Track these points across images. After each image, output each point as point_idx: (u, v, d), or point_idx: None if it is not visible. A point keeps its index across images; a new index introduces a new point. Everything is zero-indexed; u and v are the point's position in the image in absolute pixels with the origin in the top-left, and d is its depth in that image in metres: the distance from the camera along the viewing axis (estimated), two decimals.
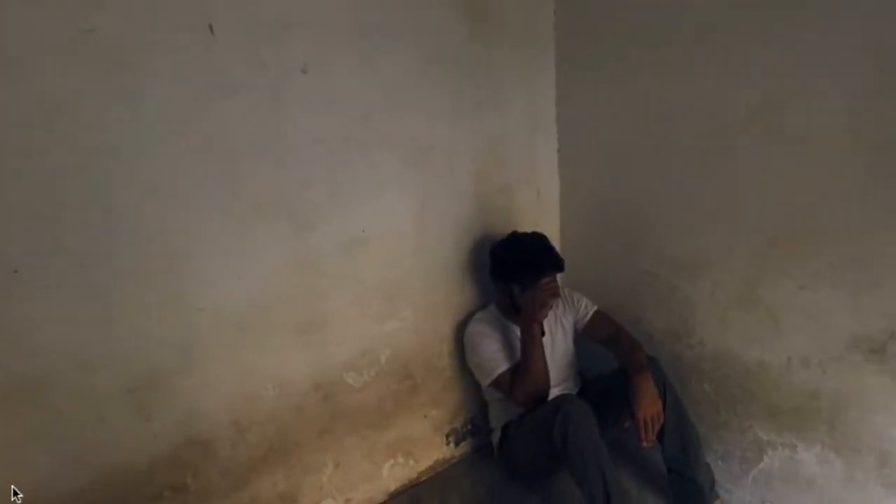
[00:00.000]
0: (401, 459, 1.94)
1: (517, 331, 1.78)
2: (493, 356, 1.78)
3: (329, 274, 1.64)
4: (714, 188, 1.69)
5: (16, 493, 1.22)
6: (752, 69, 1.54)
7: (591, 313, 1.90)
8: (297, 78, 1.49)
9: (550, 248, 1.77)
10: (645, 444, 1.56)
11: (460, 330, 1.95)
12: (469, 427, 2.12)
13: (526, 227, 1.91)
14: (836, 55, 1.37)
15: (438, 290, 1.93)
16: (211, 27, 1.34)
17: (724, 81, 1.61)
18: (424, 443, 1.99)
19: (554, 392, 1.77)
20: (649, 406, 1.55)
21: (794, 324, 1.59)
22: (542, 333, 1.73)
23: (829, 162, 1.43)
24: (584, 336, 1.91)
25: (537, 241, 1.78)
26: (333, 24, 1.54)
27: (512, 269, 1.76)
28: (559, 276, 1.78)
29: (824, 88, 1.40)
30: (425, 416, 1.98)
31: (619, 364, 1.76)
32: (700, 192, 1.73)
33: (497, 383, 1.77)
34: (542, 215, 2.18)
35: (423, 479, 1.99)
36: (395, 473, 1.93)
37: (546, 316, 1.72)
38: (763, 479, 1.76)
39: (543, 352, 1.72)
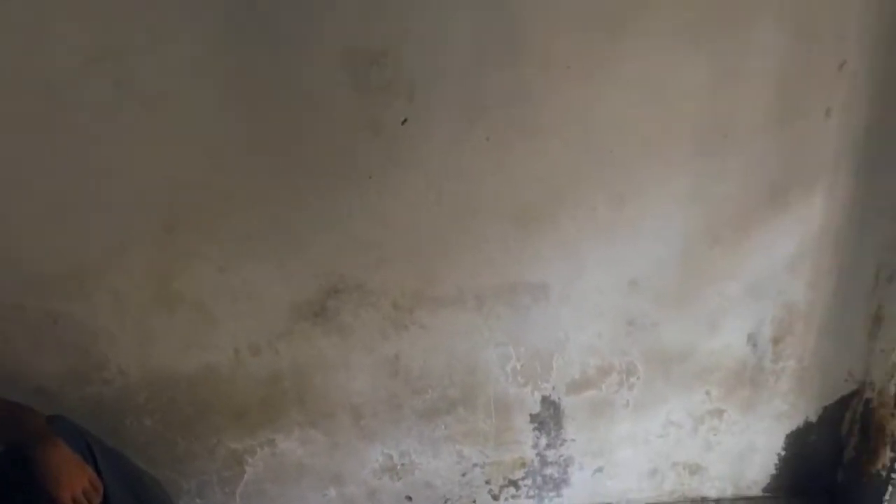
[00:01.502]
0: None
1: None
2: None
3: None
4: (65, 170, 1.31)
5: None
6: None
7: None
8: None
9: None
10: None
11: None
12: None
13: None
14: None
15: None
16: None
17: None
18: None
19: None
20: (74, 480, 1.21)
21: (229, 311, 1.44)
22: None
23: (202, 120, 1.26)
24: None
25: None
26: None
27: None
28: None
29: (174, 29, 1.19)
30: None
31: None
32: (47, 179, 1.32)
33: None
34: None
35: None
36: None
37: None
38: (253, 491, 1.62)
39: None
